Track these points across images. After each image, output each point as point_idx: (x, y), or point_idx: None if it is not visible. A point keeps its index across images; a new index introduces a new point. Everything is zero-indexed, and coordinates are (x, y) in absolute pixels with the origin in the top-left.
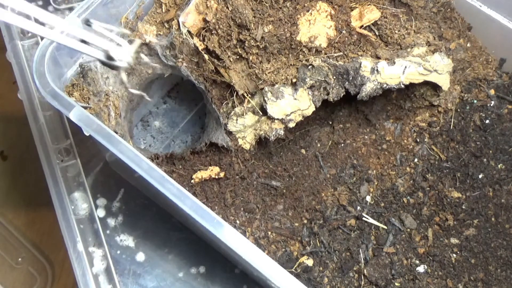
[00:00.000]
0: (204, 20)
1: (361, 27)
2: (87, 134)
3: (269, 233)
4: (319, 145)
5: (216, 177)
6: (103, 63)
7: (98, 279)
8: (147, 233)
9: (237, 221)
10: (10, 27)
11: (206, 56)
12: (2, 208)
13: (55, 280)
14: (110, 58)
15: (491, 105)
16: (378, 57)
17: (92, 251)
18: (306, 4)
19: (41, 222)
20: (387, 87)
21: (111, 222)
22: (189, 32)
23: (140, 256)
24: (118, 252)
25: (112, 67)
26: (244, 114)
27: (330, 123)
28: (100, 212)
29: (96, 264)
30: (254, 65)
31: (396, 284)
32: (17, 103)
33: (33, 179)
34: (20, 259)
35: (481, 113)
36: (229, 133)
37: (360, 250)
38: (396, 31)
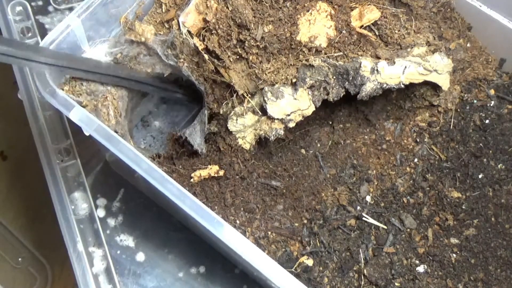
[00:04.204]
0: (204, 20)
1: (361, 27)
2: (87, 134)
3: (269, 233)
4: (319, 145)
5: (216, 175)
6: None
7: (98, 279)
8: (147, 233)
9: (237, 221)
10: (10, 27)
11: (206, 56)
12: (2, 208)
13: (55, 280)
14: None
15: (491, 105)
16: (378, 57)
17: (92, 251)
18: (306, 4)
19: (41, 222)
20: (387, 87)
21: (111, 222)
22: (189, 32)
23: (140, 256)
24: (118, 252)
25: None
26: (244, 114)
27: (330, 123)
28: (100, 212)
29: (96, 264)
30: (254, 65)
31: (396, 284)
32: (17, 103)
33: (33, 179)
34: (20, 259)
35: (481, 113)
36: (230, 133)
37: (360, 250)
38: (396, 31)
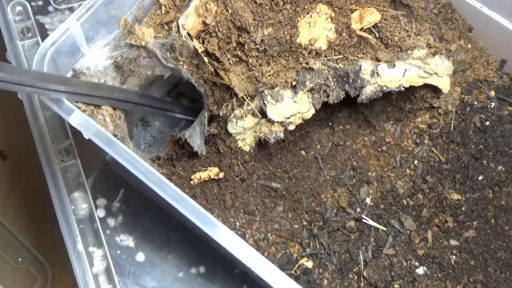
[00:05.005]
0: (204, 22)
1: (361, 29)
2: (87, 137)
3: (269, 235)
4: (319, 146)
5: (216, 177)
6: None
7: (98, 279)
8: (147, 233)
9: (237, 223)
10: (10, 27)
11: (205, 59)
12: (2, 208)
13: (55, 280)
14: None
15: (492, 106)
16: (378, 60)
17: (92, 251)
18: (306, 7)
19: (41, 222)
20: (387, 90)
21: (111, 222)
22: (188, 34)
23: (140, 256)
24: (118, 252)
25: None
26: (244, 116)
27: (330, 124)
28: (100, 212)
29: (96, 264)
30: (253, 68)
31: (396, 285)
32: (17, 103)
33: (33, 179)
34: (20, 259)
35: (481, 115)
36: (230, 135)
37: (360, 252)
38: (397, 34)
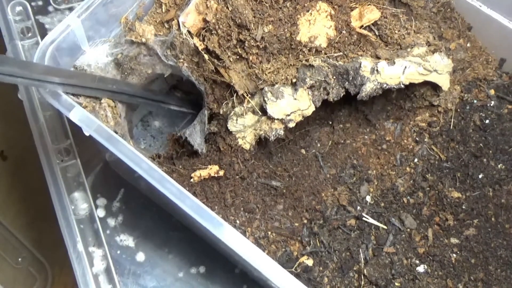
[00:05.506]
0: (204, 20)
1: (361, 27)
2: (87, 134)
3: (269, 233)
4: (319, 145)
5: (216, 175)
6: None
7: (98, 279)
8: (147, 233)
9: (237, 221)
10: (10, 27)
11: (206, 56)
12: (2, 208)
13: (55, 280)
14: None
15: (491, 105)
16: (378, 57)
17: (92, 251)
18: (306, 4)
19: (41, 222)
20: (387, 87)
21: (111, 222)
22: (189, 32)
23: (140, 256)
24: (118, 252)
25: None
26: (244, 114)
27: (330, 123)
28: (100, 212)
29: (96, 264)
30: (254, 65)
31: (396, 284)
32: (17, 103)
33: (33, 179)
34: (20, 259)
35: (481, 113)
36: (230, 133)
37: (360, 250)
38: (396, 31)
